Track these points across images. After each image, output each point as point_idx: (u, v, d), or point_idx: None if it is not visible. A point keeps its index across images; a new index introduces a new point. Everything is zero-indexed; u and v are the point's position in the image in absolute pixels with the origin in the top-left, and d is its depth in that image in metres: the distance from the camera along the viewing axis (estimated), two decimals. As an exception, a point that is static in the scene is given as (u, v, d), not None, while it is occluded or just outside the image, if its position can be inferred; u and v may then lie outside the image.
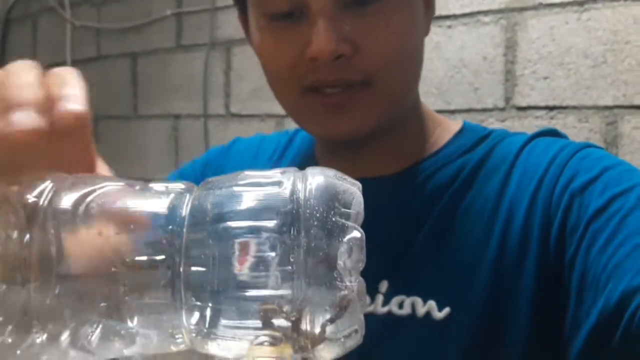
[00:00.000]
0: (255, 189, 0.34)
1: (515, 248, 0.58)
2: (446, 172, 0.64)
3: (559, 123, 1.20)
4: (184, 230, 0.34)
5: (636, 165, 0.59)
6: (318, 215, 0.34)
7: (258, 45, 0.62)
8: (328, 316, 0.34)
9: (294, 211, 0.33)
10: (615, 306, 0.48)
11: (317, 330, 0.34)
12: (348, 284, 0.36)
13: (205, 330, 0.34)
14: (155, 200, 0.35)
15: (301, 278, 0.33)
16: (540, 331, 0.57)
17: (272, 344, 0.33)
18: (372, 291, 0.61)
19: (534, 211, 0.58)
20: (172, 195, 0.35)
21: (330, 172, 0.36)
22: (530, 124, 1.22)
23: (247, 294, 0.32)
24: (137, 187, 0.37)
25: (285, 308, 0.33)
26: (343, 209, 0.35)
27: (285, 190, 0.34)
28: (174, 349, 0.36)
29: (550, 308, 0.56)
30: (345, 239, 0.35)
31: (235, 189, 0.35)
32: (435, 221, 0.62)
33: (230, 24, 1.69)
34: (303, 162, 0.71)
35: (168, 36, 1.85)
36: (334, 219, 0.34)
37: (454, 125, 0.68)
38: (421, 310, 0.59)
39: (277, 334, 0.33)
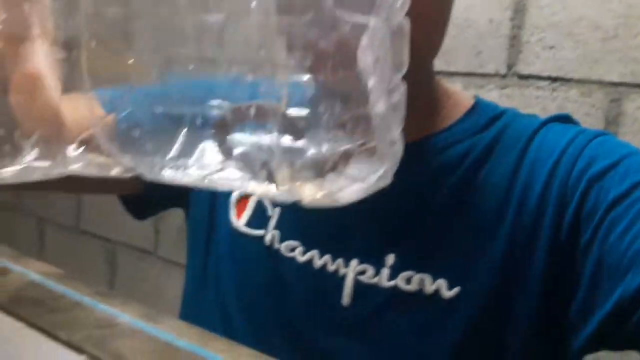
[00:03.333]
0: None
1: (527, 230, 0.57)
2: (457, 150, 0.62)
3: (560, 95, 1.16)
4: None
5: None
6: None
7: None
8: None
9: None
10: (634, 294, 0.48)
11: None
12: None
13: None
14: None
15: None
16: (546, 314, 0.57)
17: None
18: (377, 264, 0.60)
19: (548, 194, 0.57)
20: None
21: None
22: (530, 94, 1.19)
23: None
24: None
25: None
26: None
27: None
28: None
29: (558, 292, 0.56)
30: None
31: None
32: (446, 199, 0.60)
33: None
34: None
35: None
36: None
37: (466, 100, 0.66)
38: (429, 287, 0.58)
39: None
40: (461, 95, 0.67)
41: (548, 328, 0.58)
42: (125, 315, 0.38)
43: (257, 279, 0.66)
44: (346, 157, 0.24)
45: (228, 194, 0.69)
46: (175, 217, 1.84)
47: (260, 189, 0.25)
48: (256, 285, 0.66)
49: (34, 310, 0.39)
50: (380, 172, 0.26)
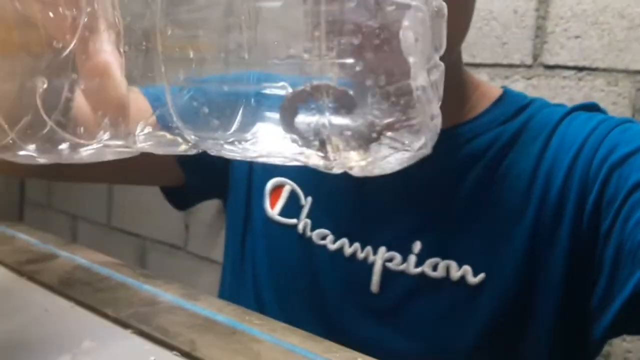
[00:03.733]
0: None
1: (550, 220, 0.58)
2: (483, 140, 0.63)
3: (586, 85, 1.15)
4: None
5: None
6: None
7: None
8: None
9: None
10: None
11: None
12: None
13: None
14: None
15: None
16: (568, 304, 0.58)
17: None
18: (404, 251, 0.62)
19: (570, 182, 0.57)
20: None
21: None
22: (557, 84, 1.18)
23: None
24: None
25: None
26: None
27: None
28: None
29: (580, 281, 0.57)
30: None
31: None
32: (471, 188, 0.61)
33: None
34: None
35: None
36: None
37: (493, 91, 0.67)
38: (455, 274, 0.59)
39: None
40: (488, 86, 0.68)
41: (570, 318, 0.59)
42: (167, 294, 0.40)
43: (290, 267, 0.67)
44: (390, 129, 0.26)
45: (262, 185, 0.71)
46: (204, 213, 1.86)
47: (313, 160, 0.27)
48: (289, 273, 0.67)
49: (82, 290, 0.41)
50: (422, 141, 0.28)
